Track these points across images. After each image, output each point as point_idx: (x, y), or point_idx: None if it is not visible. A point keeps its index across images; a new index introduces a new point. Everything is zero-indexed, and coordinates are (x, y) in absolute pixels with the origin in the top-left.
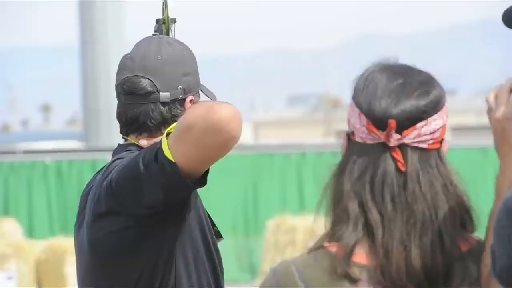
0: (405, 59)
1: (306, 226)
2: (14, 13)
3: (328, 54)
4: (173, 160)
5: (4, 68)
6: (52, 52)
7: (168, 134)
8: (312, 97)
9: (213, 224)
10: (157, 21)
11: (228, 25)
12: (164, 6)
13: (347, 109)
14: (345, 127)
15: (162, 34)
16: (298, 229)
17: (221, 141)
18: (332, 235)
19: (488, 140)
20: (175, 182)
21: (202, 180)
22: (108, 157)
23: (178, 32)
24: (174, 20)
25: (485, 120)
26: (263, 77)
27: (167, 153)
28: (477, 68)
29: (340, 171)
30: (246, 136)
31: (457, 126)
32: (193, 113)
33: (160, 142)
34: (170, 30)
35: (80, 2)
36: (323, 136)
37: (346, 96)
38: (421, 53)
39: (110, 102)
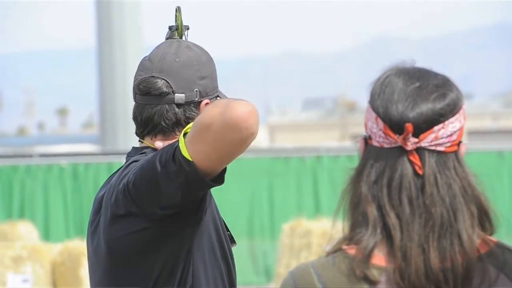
0: (421, 63)
1: (322, 229)
2: (31, 16)
3: (344, 57)
4: (190, 159)
5: (20, 71)
6: (69, 55)
7: (185, 134)
8: (328, 100)
9: (227, 229)
10: (170, 27)
11: (244, 29)
12: (177, 13)
13: (363, 113)
14: (360, 130)
15: (176, 38)
16: (313, 232)
17: (239, 138)
18: (351, 238)
19: (504, 144)
20: (194, 181)
21: (220, 178)
22: (124, 161)
23: (195, 35)
24: (187, 27)
25: (501, 124)
26: (279, 80)
27: (185, 152)
28: (493, 72)
29: (358, 175)
30: (262, 140)
31: (473, 129)
32: (210, 111)
33: (177, 141)
34: (183, 37)
35: (98, 6)
36: (339, 139)
37: (361, 99)
38: (437, 57)
39: (126, 106)
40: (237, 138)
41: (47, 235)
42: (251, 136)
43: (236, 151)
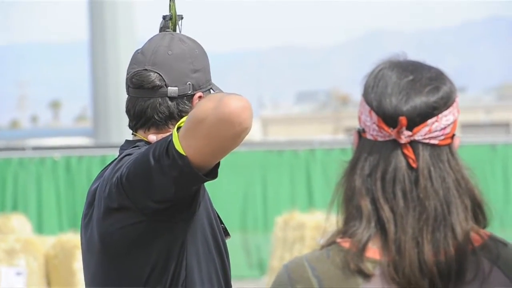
0: (414, 56)
1: (315, 222)
2: (25, 10)
3: (337, 50)
4: (184, 154)
5: (14, 65)
6: (62, 49)
7: (178, 128)
8: (321, 93)
9: (221, 221)
10: (164, 17)
11: (238, 22)
12: (171, 2)
13: (357, 106)
14: (354, 123)
15: (169, 30)
16: (306, 225)
17: (233, 133)
18: (345, 232)
19: (497, 137)
20: (187, 175)
21: (213, 172)
22: (117, 154)
23: (188, 29)
24: (181, 17)
25: (494, 117)
26: (272, 73)
27: (178, 146)
28: (486, 65)
29: (351, 168)
30: (255, 133)
31: (466, 123)
32: (203, 106)
33: (171, 135)
34: (177, 27)
35: None
36: (332, 132)
37: (354, 92)
38: (430, 50)
39: (119, 99)
40: (230, 133)
41: (40, 228)
42: (245, 131)
43: (229, 145)
